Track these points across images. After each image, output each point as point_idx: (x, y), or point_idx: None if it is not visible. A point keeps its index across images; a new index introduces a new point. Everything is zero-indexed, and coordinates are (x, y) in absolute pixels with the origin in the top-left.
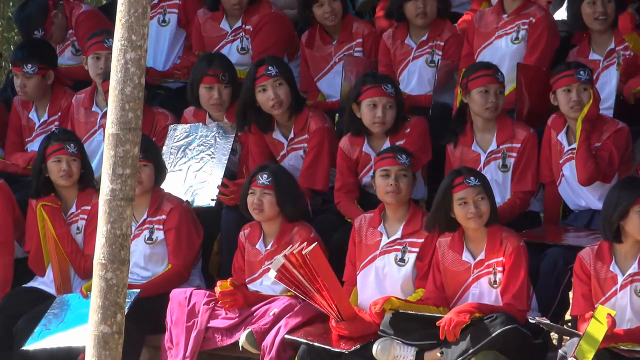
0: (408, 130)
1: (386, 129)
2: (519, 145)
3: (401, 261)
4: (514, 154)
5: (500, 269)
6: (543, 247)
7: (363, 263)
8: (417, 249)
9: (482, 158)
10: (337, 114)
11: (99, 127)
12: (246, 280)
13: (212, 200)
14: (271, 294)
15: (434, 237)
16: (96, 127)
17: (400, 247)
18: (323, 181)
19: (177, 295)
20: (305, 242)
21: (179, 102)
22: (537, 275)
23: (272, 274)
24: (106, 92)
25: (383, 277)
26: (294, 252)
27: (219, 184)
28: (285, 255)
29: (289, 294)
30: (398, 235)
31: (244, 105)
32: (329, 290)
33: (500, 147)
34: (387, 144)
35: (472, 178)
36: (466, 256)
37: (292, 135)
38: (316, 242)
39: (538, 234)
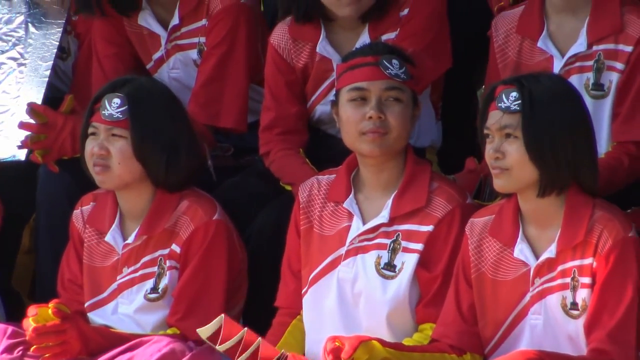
0: (405, 11)
1: (364, 8)
2: (629, 49)
3: (388, 268)
4: (619, 66)
5: (586, 280)
6: None
7: (315, 272)
8: (419, 246)
9: (557, 66)
10: None
11: None
12: (86, 305)
13: (20, 148)
14: (137, 331)
15: (455, 216)
16: None
17: (388, 241)
18: (236, 111)
19: None
20: None
21: None
22: None
23: None
24: None
25: (353, 299)
26: None
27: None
28: None
29: (169, 331)
30: (383, 218)
31: None
32: None
33: (595, 48)
34: (364, 39)
35: (513, 95)
36: (522, 251)
37: (176, 21)
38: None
39: None
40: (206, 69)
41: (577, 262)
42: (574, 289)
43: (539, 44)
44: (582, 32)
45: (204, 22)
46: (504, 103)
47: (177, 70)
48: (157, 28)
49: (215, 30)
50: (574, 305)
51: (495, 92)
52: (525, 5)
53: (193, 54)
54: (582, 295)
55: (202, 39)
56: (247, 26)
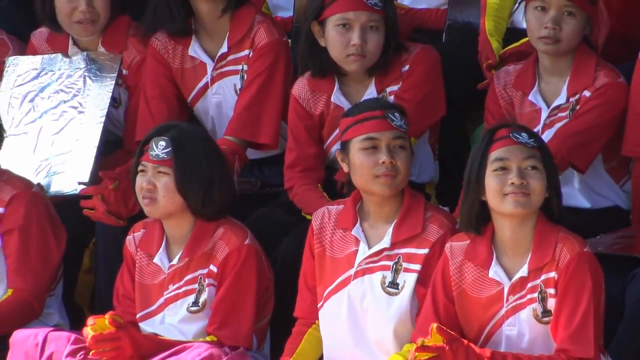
0: (407, 67)
1: (368, 64)
2: (588, 95)
3: (392, 286)
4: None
5: (552, 291)
6: (631, 263)
7: (329, 289)
8: (417, 266)
9: (543, 116)
10: (289, 40)
11: None
12: (138, 316)
13: (81, 184)
14: (181, 339)
15: (446, 239)
16: None
17: (391, 262)
18: (271, 131)
19: (23, 340)
20: None
21: (21, 21)
22: (621, 310)
23: None
24: None
25: (363, 313)
26: None
27: (93, 155)
28: None
29: (208, 338)
30: (385, 243)
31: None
32: None
33: (570, 100)
34: (371, 90)
35: (523, 134)
36: (496, 272)
37: (224, 49)
38: None
39: (622, 241)
40: (248, 94)
41: (543, 277)
42: (544, 300)
43: (530, 97)
44: (564, 88)
45: (247, 52)
46: (523, 138)
47: (219, 95)
48: (204, 57)
49: (259, 61)
50: (546, 313)
51: (500, 132)
52: (522, 65)
53: (235, 79)
54: (551, 303)
55: (245, 67)
56: (286, 61)
